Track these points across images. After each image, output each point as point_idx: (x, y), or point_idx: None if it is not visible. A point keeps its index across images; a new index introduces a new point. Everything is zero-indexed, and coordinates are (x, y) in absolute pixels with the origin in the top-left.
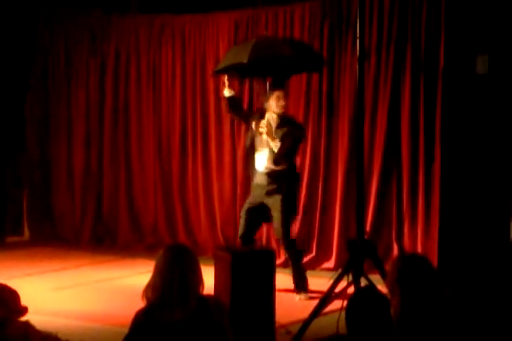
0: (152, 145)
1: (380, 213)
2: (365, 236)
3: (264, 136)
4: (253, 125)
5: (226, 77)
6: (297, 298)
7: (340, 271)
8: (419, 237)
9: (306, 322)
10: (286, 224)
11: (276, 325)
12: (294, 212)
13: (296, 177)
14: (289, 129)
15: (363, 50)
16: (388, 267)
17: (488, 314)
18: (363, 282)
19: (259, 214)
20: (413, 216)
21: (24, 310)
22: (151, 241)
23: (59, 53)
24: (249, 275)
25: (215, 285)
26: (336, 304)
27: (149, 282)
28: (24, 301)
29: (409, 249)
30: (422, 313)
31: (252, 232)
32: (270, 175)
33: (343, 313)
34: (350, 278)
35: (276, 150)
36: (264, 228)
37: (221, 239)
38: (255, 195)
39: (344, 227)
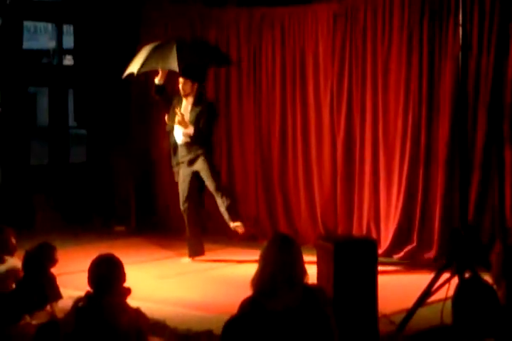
0: (253, 137)
1: (482, 202)
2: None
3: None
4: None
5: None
6: (233, 224)
7: (443, 260)
8: None
9: (410, 312)
10: (216, 176)
11: (379, 314)
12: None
13: (211, 150)
14: (202, 108)
15: (466, 37)
16: (493, 258)
17: None
18: (468, 273)
19: (193, 182)
20: None
21: (127, 291)
22: (253, 231)
23: None
24: (352, 264)
25: (317, 274)
26: (440, 294)
27: (257, 271)
28: (132, 288)
29: None
30: None
31: (192, 200)
32: (188, 144)
33: (447, 303)
34: (454, 268)
35: (191, 134)
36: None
37: (321, 229)
38: (183, 170)
39: (446, 216)
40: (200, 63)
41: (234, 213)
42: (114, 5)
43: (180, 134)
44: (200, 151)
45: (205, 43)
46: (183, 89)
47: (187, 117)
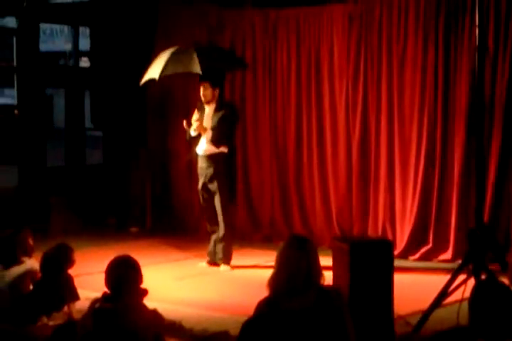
0: (268, 138)
1: (498, 203)
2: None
3: (193, 132)
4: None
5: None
6: (222, 268)
7: (459, 262)
8: None
9: (426, 314)
10: (225, 209)
11: (395, 316)
12: (232, 199)
13: (234, 161)
14: (225, 112)
15: (483, 38)
16: (510, 259)
17: None
18: (484, 274)
19: (211, 194)
20: None
21: (144, 292)
22: (268, 232)
23: None
24: (368, 265)
25: (333, 275)
26: (456, 296)
27: (273, 272)
28: (148, 289)
29: None
30: None
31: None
32: (209, 157)
33: (463, 305)
34: (471, 269)
35: (210, 139)
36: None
37: (337, 230)
38: (200, 179)
39: (462, 217)
40: (218, 66)
41: (227, 255)
42: (131, 7)
43: (204, 142)
44: (219, 169)
45: (220, 48)
46: (203, 95)
47: (209, 123)
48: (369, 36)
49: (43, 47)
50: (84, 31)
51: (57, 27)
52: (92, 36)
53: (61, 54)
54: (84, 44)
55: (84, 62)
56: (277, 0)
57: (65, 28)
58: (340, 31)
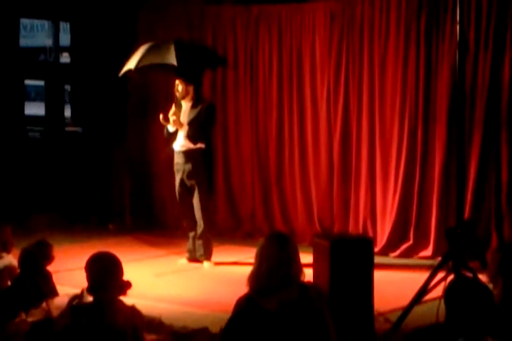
0: (249, 134)
1: (478, 201)
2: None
3: (171, 127)
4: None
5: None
6: (205, 265)
7: (440, 259)
8: None
9: (406, 311)
10: (205, 205)
11: (375, 313)
12: (209, 196)
13: (211, 156)
14: (201, 109)
15: (463, 35)
16: (489, 257)
17: None
18: (464, 271)
19: (189, 191)
20: None
21: (128, 285)
22: (249, 229)
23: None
24: (348, 262)
25: (313, 272)
26: (436, 292)
27: (253, 269)
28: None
29: (509, 238)
30: None
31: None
32: (186, 153)
33: (443, 302)
34: (451, 266)
35: (186, 135)
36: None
37: (317, 227)
38: (177, 176)
39: (442, 215)
40: (196, 63)
41: (207, 251)
42: (111, 2)
43: (181, 138)
44: (197, 165)
45: (202, 46)
46: (177, 90)
47: (185, 119)
48: (351, 33)
49: (23, 42)
50: (65, 26)
51: (37, 22)
52: (72, 31)
53: (41, 49)
54: (65, 39)
55: (65, 58)
56: None
57: (46, 23)
58: (322, 28)
